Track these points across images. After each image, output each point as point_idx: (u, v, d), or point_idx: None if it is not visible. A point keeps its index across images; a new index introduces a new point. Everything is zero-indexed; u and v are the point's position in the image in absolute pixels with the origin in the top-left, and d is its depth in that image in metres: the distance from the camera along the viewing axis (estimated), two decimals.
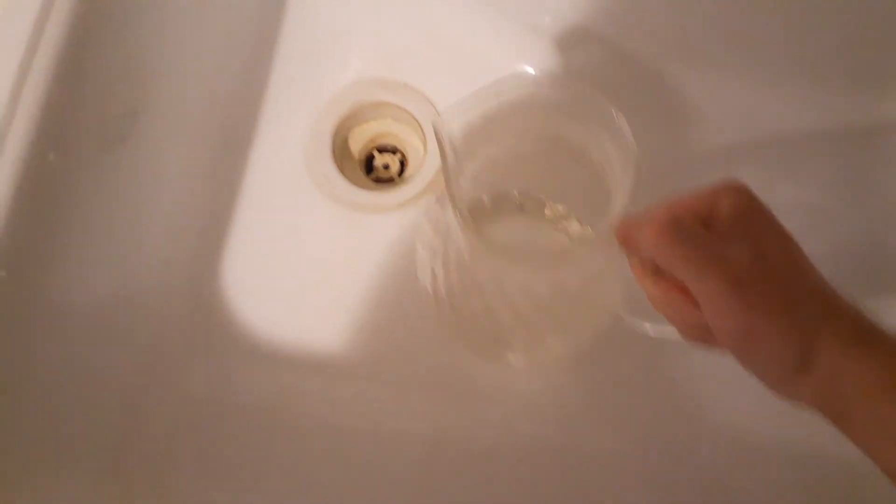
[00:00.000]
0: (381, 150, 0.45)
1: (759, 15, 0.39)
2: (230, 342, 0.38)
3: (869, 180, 0.40)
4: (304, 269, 0.40)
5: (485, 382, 0.37)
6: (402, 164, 0.44)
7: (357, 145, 0.44)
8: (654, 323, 0.31)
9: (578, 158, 0.28)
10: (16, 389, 0.29)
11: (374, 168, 0.44)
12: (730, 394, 0.37)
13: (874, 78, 0.40)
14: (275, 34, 0.43)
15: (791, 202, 0.40)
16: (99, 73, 0.32)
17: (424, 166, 0.42)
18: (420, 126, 0.43)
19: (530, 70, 0.41)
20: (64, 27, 0.30)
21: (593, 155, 0.26)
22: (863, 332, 0.21)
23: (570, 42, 0.41)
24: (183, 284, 0.39)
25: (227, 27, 0.41)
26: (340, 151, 0.43)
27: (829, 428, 0.35)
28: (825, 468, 0.35)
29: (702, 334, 0.23)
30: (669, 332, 0.30)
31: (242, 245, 0.40)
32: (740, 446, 0.36)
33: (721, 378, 0.37)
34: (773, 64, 0.40)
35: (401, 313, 0.38)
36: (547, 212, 0.35)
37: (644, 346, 0.36)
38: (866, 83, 0.40)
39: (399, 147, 0.45)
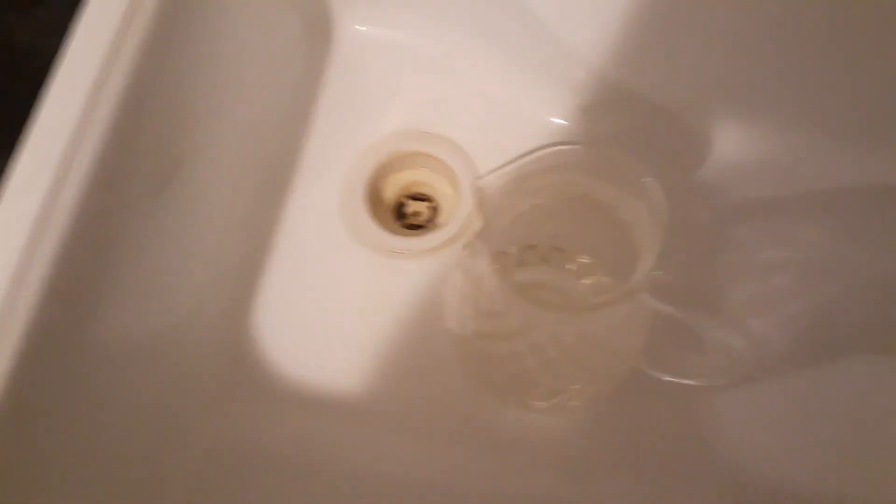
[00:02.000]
0: (414, 197, 0.47)
1: (786, 75, 0.40)
2: (260, 386, 0.39)
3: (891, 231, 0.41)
4: (335, 314, 0.41)
5: (508, 430, 0.38)
6: (434, 211, 0.46)
7: (390, 193, 0.46)
8: (675, 371, 0.32)
9: (606, 217, 0.30)
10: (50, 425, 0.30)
11: (405, 215, 0.46)
12: (758, 446, 0.37)
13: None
14: (318, 85, 0.45)
15: (812, 249, 0.41)
16: (153, 123, 0.34)
17: (455, 214, 0.44)
18: (454, 175, 0.45)
19: (562, 122, 0.43)
20: (126, 77, 0.32)
21: (622, 215, 0.28)
22: None
23: (603, 96, 0.42)
24: (217, 328, 0.40)
25: (273, 80, 0.43)
26: (373, 198, 0.45)
27: (869, 477, 0.36)
28: None
29: None
30: (691, 377, 0.31)
31: (275, 290, 0.41)
32: (770, 494, 0.37)
33: (748, 430, 0.38)
34: (798, 120, 0.42)
35: (429, 359, 0.39)
36: (571, 265, 0.37)
37: (666, 398, 0.37)
38: (888, 141, 0.41)
39: (431, 195, 0.47)
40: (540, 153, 0.26)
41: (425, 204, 0.46)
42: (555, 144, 0.24)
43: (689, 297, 0.27)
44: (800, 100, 0.41)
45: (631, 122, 0.42)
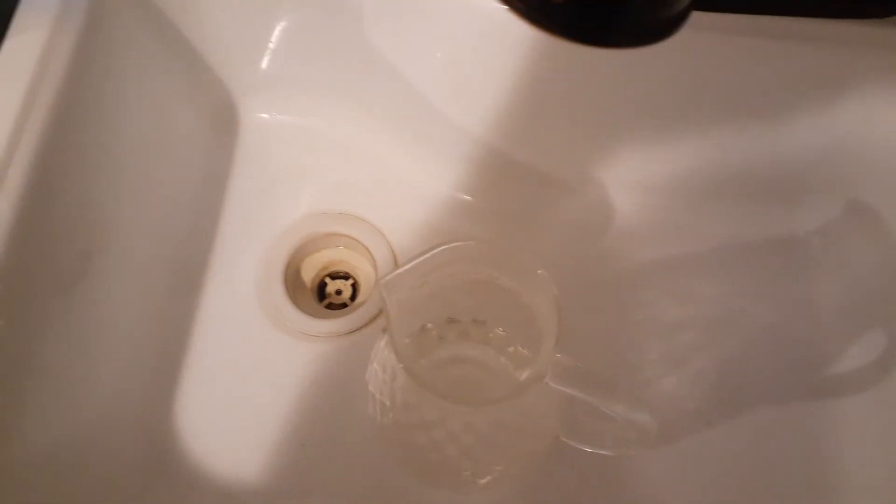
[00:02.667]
0: (334, 276, 0.47)
1: (679, 144, 0.43)
2: (182, 485, 0.39)
3: (784, 282, 0.44)
4: (258, 402, 0.41)
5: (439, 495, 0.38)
6: (354, 288, 0.47)
7: (309, 274, 0.47)
8: (592, 442, 0.33)
9: (512, 300, 0.31)
10: None
11: (326, 294, 0.47)
12: (686, 499, 0.38)
13: (783, 194, 0.44)
14: (227, 172, 0.46)
15: (710, 303, 0.43)
16: (53, 221, 0.34)
17: (376, 291, 0.45)
18: (370, 253, 0.46)
19: (467, 197, 0.45)
20: (22, 178, 0.32)
21: (525, 300, 0.29)
22: None
23: (497, 169, 0.44)
24: (135, 427, 0.39)
25: (179, 169, 0.43)
26: (293, 280, 0.46)
27: None
28: None
29: None
30: (608, 448, 0.33)
31: (195, 383, 0.41)
32: None
33: (668, 488, 0.39)
34: (694, 184, 0.44)
35: (356, 444, 0.39)
36: (490, 335, 0.38)
37: (588, 466, 0.39)
38: (776, 199, 0.44)
39: (351, 273, 0.47)
40: (438, 250, 0.27)
41: (346, 282, 0.47)
42: (451, 242, 0.25)
43: (594, 377, 0.28)
44: (692, 170, 0.44)
45: (533, 195, 0.44)
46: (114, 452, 0.38)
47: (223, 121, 0.46)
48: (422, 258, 0.27)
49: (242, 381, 0.41)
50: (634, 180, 0.44)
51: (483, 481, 0.32)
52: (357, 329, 0.43)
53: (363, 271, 0.47)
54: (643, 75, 0.40)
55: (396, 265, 0.44)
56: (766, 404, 0.41)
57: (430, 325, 0.38)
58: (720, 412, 0.41)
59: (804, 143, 0.42)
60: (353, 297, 0.46)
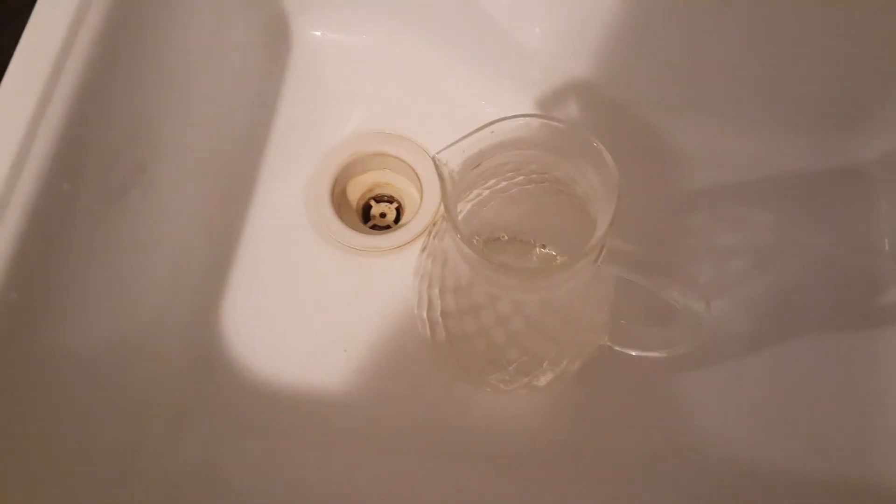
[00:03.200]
0: (379, 199, 0.47)
1: (734, 67, 0.42)
2: (230, 383, 0.39)
3: (841, 211, 0.43)
4: (302, 310, 0.41)
5: (480, 413, 0.38)
6: (399, 212, 0.47)
7: (355, 195, 0.47)
8: (639, 345, 0.33)
9: (566, 194, 0.31)
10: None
11: (371, 217, 0.47)
12: (721, 427, 0.38)
13: (842, 120, 0.43)
14: (278, 89, 0.46)
15: (763, 232, 0.42)
16: (107, 131, 0.34)
17: (419, 214, 0.45)
18: (417, 175, 0.46)
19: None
20: (75, 81, 0.32)
21: (579, 188, 0.29)
22: None
23: (559, 93, 0.44)
24: (183, 333, 0.40)
25: (232, 83, 0.44)
26: (339, 201, 0.46)
27: (828, 450, 0.37)
28: (837, 490, 0.37)
29: None
30: (656, 349, 0.32)
31: (243, 293, 0.41)
32: (740, 476, 0.37)
33: (710, 412, 0.38)
34: (748, 109, 0.43)
35: (399, 351, 0.40)
36: (534, 255, 0.38)
37: (631, 380, 0.38)
38: (835, 126, 0.43)
39: (396, 196, 0.47)
40: (494, 127, 0.26)
41: (390, 205, 0.47)
42: (507, 118, 0.25)
43: (649, 267, 0.27)
44: (746, 95, 0.43)
45: (587, 115, 0.44)
46: (161, 356, 0.39)
47: (276, 36, 0.46)
48: (476, 134, 0.26)
49: (288, 289, 0.42)
50: (690, 106, 0.44)
51: (525, 380, 0.32)
52: (402, 245, 0.43)
53: (408, 195, 0.47)
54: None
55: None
56: (815, 333, 0.40)
57: (475, 240, 0.38)
58: (767, 339, 0.40)
59: (866, 66, 0.40)
60: (396, 220, 0.46)
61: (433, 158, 0.26)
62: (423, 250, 0.32)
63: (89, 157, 0.33)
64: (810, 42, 0.40)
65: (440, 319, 0.31)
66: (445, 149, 0.26)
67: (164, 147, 0.39)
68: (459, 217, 0.33)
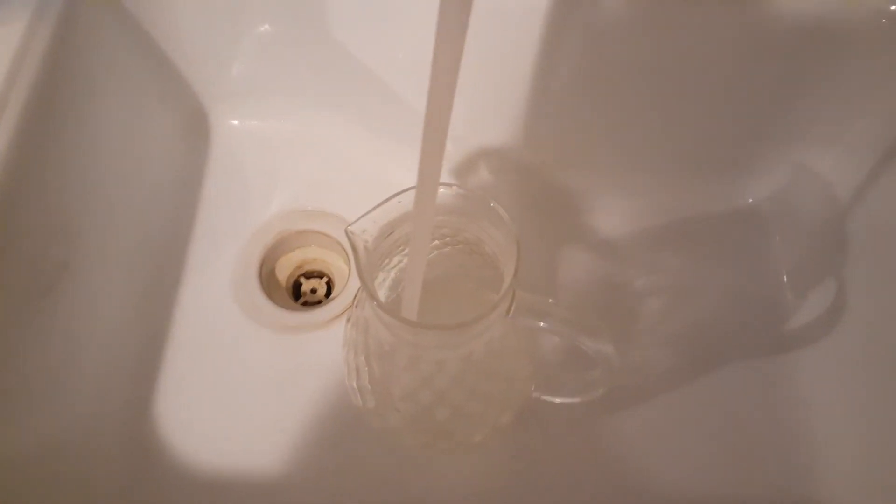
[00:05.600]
0: (308, 276, 0.48)
1: (631, 125, 0.45)
2: (167, 474, 0.39)
3: (742, 246, 0.46)
4: (238, 396, 0.41)
5: (422, 478, 0.39)
6: (329, 286, 0.48)
7: (284, 274, 0.48)
8: (562, 392, 0.34)
9: (478, 254, 0.32)
10: None
11: (301, 294, 0.48)
12: (654, 458, 0.39)
13: (733, 166, 0.47)
14: (200, 177, 0.47)
15: (671, 275, 0.45)
16: (26, 233, 0.34)
17: (349, 286, 0.46)
18: (343, 248, 0.47)
19: None
20: None
21: (487, 248, 0.31)
22: None
23: (470, 161, 0.46)
24: (117, 425, 0.39)
25: (154, 174, 0.45)
26: (268, 281, 0.46)
27: (752, 468, 0.38)
28: None
29: None
30: (577, 395, 0.34)
31: (177, 379, 0.41)
32: None
33: (643, 445, 0.40)
34: (648, 162, 0.47)
35: (338, 424, 0.40)
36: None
37: (565, 424, 0.39)
38: (728, 172, 0.47)
39: (325, 271, 0.48)
40: (400, 197, 0.28)
41: (320, 280, 0.48)
42: (411, 188, 0.27)
43: (557, 311, 0.29)
44: (644, 149, 0.46)
45: (498, 179, 0.46)
46: (95, 451, 0.38)
47: (195, 127, 0.47)
48: (385, 205, 0.28)
49: (222, 374, 0.42)
50: (592, 159, 0.47)
51: (460, 437, 0.33)
52: (334, 318, 0.44)
53: (337, 268, 0.48)
54: (603, 60, 0.42)
55: None
56: (734, 363, 0.42)
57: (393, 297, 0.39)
58: (691, 374, 0.42)
59: (746, 118, 0.44)
60: (328, 295, 0.47)
61: (346, 231, 0.28)
62: (348, 321, 0.33)
63: (10, 261, 0.33)
64: (697, 100, 0.44)
65: (368, 387, 0.31)
66: (357, 221, 0.28)
67: (87, 242, 0.39)
68: (385, 284, 0.34)
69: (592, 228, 0.47)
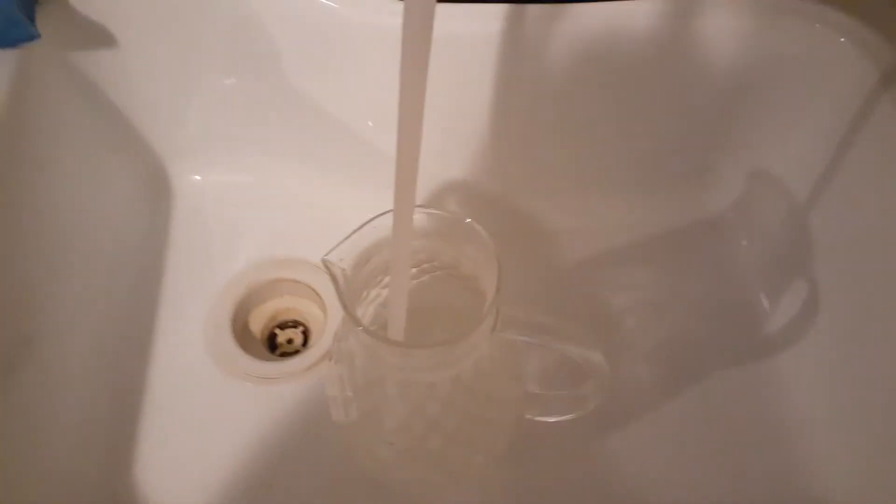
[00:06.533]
0: (283, 326, 0.47)
1: (592, 148, 0.46)
2: None
3: (711, 256, 0.47)
4: (219, 451, 0.40)
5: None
6: (306, 335, 0.47)
7: (258, 326, 0.47)
8: (552, 412, 0.34)
9: (456, 278, 0.32)
10: None
11: (277, 345, 0.47)
12: (649, 473, 0.39)
13: (694, 180, 0.48)
14: (166, 235, 0.46)
15: (645, 291, 0.45)
16: None
17: (326, 332, 0.45)
18: (318, 294, 0.46)
19: None
20: None
21: (465, 269, 0.31)
22: None
23: (437, 195, 0.47)
24: (95, 490, 0.38)
25: (116, 236, 0.44)
26: (241, 334, 0.45)
27: (747, 473, 0.38)
28: None
29: None
30: (568, 411, 0.33)
31: (154, 442, 0.40)
32: None
33: (638, 461, 0.39)
34: (611, 183, 0.48)
35: (328, 472, 0.39)
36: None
37: (557, 445, 0.39)
38: (689, 185, 0.48)
39: (300, 320, 0.47)
40: (375, 222, 0.28)
41: (296, 330, 0.47)
42: (386, 212, 0.27)
43: (545, 329, 0.29)
44: (606, 170, 0.47)
45: (465, 210, 0.47)
46: None
47: (156, 185, 0.47)
48: (359, 232, 0.28)
49: (201, 432, 0.40)
50: (556, 184, 0.47)
51: (457, 466, 0.32)
52: (313, 364, 0.43)
53: (313, 316, 0.47)
54: (558, 87, 0.43)
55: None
56: (715, 370, 0.42)
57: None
58: (675, 384, 0.42)
59: (700, 134, 0.46)
60: (305, 343, 0.46)
61: (322, 260, 0.27)
62: (330, 359, 0.32)
63: None
64: (651, 120, 0.45)
65: (357, 422, 0.31)
66: (333, 250, 0.28)
67: (51, 313, 0.38)
68: (365, 319, 0.34)
69: (563, 252, 0.47)
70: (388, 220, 0.28)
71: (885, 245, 0.37)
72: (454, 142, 0.46)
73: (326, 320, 0.46)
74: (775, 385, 0.41)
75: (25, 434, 0.35)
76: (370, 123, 0.46)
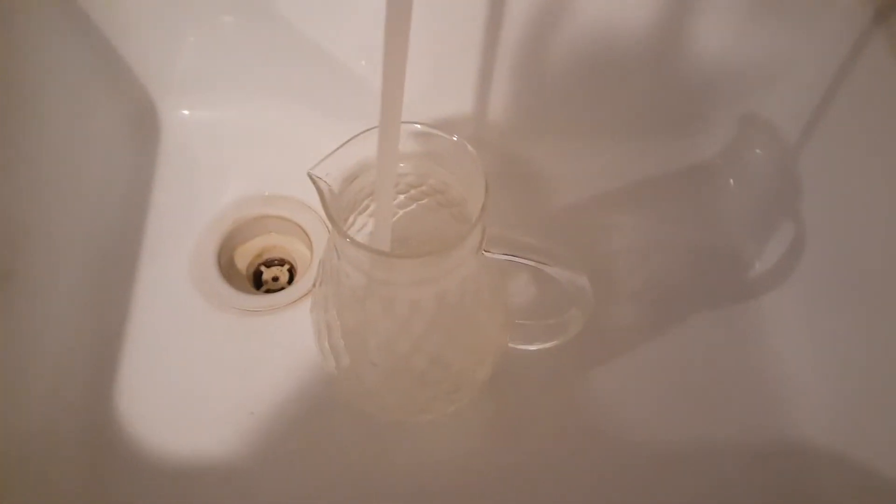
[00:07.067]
0: (269, 264, 0.47)
1: (583, 93, 0.46)
2: (133, 465, 0.37)
3: (699, 202, 0.47)
4: (203, 382, 0.40)
5: (403, 451, 0.38)
6: (292, 273, 0.47)
7: (244, 263, 0.46)
8: (537, 340, 0.34)
9: (445, 207, 0.32)
10: None
11: (263, 283, 0.46)
12: (629, 410, 0.39)
13: (683, 127, 0.48)
14: (153, 169, 0.46)
15: (636, 233, 0.45)
16: None
17: (312, 269, 0.45)
18: (305, 232, 0.46)
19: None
20: None
21: (454, 192, 0.30)
22: None
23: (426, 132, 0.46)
24: (77, 419, 0.37)
25: (103, 169, 0.43)
26: (227, 271, 0.45)
27: (728, 418, 0.38)
28: (750, 452, 0.38)
29: None
30: (552, 339, 0.33)
31: (137, 371, 0.40)
32: (662, 456, 0.38)
33: (617, 398, 0.40)
34: (601, 129, 0.48)
35: (309, 403, 0.39)
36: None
37: (539, 377, 0.39)
38: (678, 132, 0.48)
39: (286, 258, 0.47)
40: (363, 135, 0.28)
41: (282, 268, 0.47)
42: (374, 127, 0.26)
43: (531, 248, 0.29)
44: (596, 116, 0.47)
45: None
46: (54, 448, 0.36)
47: (145, 119, 0.46)
48: (345, 147, 0.28)
49: (184, 361, 0.40)
50: (546, 129, 0.47)
51: (439, 391, 0.32)
52: (299, 298, 0.43)
53: (299, 253, 0.47)
54: (550, 30, 0.43)
55: None
56: (699, 313, 0.43)
57: None
58: (659, 327, 0.42)
59: (690, 82, 0.45)
60: (290, 281, 0.46)
61: (308, 174, 0.27)
62: (315, 283, 0.32)
63: None
64: (642, 69, 0.45)
65: (342, 342, 0.30)
66: (319, 163, 0.27)
67: (34, 246, 0.37)
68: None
69: (550, 196, 0.47)
70: (374, 136, 0.28)
71: (873, 188, 0.37)
72: (443, 83, 0.45)
73: (313, 259, 0.46)
74: (758, 327, 0.41)
75: (5, 364, 0.35)
76: (363, 63, 0.45)
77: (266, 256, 0.47)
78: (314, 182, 0.27)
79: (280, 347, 0.41)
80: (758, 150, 0.45)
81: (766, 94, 0.44)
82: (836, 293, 0.39)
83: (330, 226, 0.27)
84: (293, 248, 0.47)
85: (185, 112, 0.47)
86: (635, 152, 0.48)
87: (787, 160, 0.43)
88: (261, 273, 0.47)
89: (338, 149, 0.28)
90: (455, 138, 0.27)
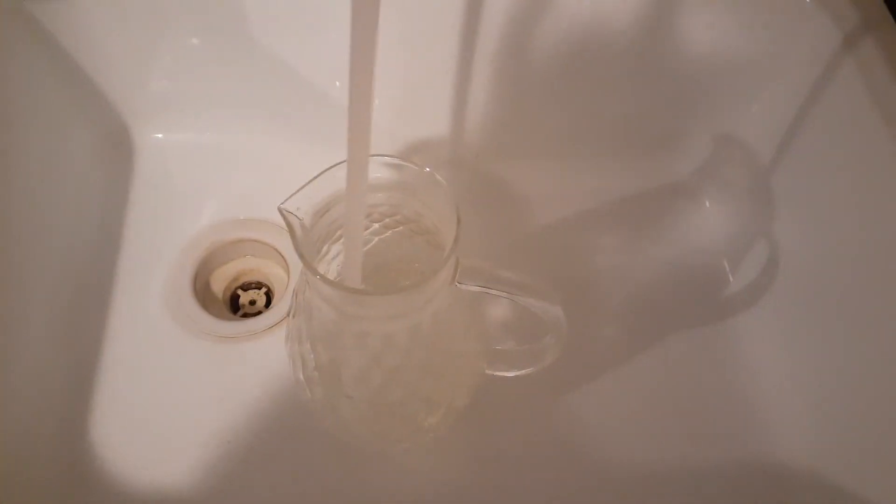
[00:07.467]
0: (246, 287, 0.47)
1: (560, 113, 0.46)
2: (109, 498, 0.36)
3: (677, 220, 0.47)
4: (179, 411, 0.39)
5: (380, 477, 0.37)
6: (269, 296, 0.46)
7: (220, 286, 0.46)
8: (513, 366, 0.34)
9: (419, 234, 0.32)
10: None
11: (240, 307, 0.46)
12: (610, 432, 0.39)
13: (659, 147, 0.48)
14: (125, 195, 0.45)
15: (612, 253, 0.46)
16: None
17: (289, 292, 0.44)
18: (281, 255, 0.46)
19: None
20: None
21: (427, 221, 0.30)
22: None
23: (405, 158, 0.46)
24: (51, 451, 0.37)
25: (76, 196, 0.43)
26: (203, 295, 0.45)
27: (711, 434, 0.38)
28: (731, 472, 0.38)
29: None
30: (529, 365, 0.33)
31: (112, 400, 0.39)
32: (642, 477, 0.38)
33: (599, 420, 0.40)
34: (578, 149, 0.48)
35: (286, 429, 0.39)
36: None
37: (523, 400, 0.39)
38: (654, 152, 0.48)
39: (263, 281, 0.47)
40: (333, 170, 0.27)
41: (259, 291, 0.47)
42: (341, 162, 0.26)
43: (505, 281, 0.29)
44: (574, 136, 0.47)
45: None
46: (27, 481, 0.36)
47: (118, 144, 0.46)
48: (315, 182, 0.27)
49: (160, 390, 0.40)
50: (524, 150, 0.47)
51: (414, 422, 0.32)
52: (276, 324, 0.42)
53: (276, 276, 0.47)
54: (524, 49, 0.43)
55: None
56: (677, 333, 0.43)
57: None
58: (637, 345, 0.42)
59: (666, 102, 0.46)
60: (268, 305, 0.46)
61: (279, 209, 0.27)
62: (289, 314, 0.32)
63: None
64: (618, 88, 0.45)
65: (316, 375, 0.30)
66: (289, 199, 0.27)
67: (3, 274, 0.37)
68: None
69: (527, 216, 0.47)
70: (344, 169, 0.28)
71: (846, 206, 0.37)
72: (419, 104, 0.45)
73: (289, 282, 0.45)
74: (735, 345, 0.42)
75: None
76: (338, 84, 0.45)
77: (243, 280, 0.47)
78: (284, 217, 0.27)
79: (257, 374, 0.40)
80: (733, 169, 0.45)
81: (742, 114, 0.44)
82: (811, 311, 0.39)
83: (300, 258, 0.26)
84: (270, 272, 0.47)
85: (159, 135, 0.47)
86: (612, 172, 0.48)
87: (762, 179, 0.43)
88: (238, 297, 0.46)
89: (308, 182, 0.27)
90: (427, 170, 0.27)
